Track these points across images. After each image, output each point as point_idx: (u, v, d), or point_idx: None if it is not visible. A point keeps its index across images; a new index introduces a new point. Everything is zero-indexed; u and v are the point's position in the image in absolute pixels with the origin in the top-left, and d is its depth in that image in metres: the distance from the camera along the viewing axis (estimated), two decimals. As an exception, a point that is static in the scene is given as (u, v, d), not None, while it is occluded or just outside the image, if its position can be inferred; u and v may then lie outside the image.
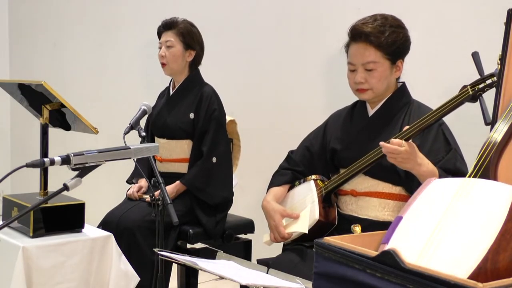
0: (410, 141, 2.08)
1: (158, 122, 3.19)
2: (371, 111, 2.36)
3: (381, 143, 2.07)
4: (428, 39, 2.90)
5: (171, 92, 3.21)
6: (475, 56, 2.06)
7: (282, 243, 2.43)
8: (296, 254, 2.27)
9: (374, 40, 2.22)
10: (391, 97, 2.33)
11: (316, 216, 2.27)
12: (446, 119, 2.23)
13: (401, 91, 2.35)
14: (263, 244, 2.51)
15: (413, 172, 2.09)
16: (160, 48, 3.14)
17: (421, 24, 2.89)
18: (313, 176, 2.40)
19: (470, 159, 1.89)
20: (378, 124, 2.32)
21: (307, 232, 2.25)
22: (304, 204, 2.35)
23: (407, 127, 2.11)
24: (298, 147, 2.54)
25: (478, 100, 2.03)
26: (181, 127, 3.10)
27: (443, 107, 2.08)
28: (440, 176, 2.05)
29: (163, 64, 3.13)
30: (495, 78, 1.99)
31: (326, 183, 2.35)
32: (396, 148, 2.03)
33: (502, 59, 1.67)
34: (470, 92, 2.03)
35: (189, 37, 3.11)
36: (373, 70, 2.25)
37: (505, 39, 1.67)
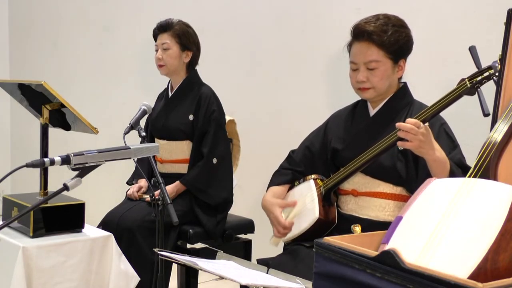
0: (427, 124, 2.05)
1: (158, 124, 3.19)
2: (372, 111, 2.36)
3: (398, 123, 2.00)
4: (428, 39, 2.90)
5: (170, 94, 3.21)
6: (472, 50, 2.07)
7: (282, 243, 2.43)
8: (296, 254, 2.27)
9: (377, 39, 2.21)
10: (393, 97, 2.33)
11: (316, 214, 2.27)
12: (447, 118, 2.23)
13: (403, 91, 2.34)
14: (263, 244, 2.51)
15: (427, 158, 2.03)
16: (156, 50, 3.14)
17: (421, 24, 2.89)
18: (313, 176, 2.40)
19: (470, 159, 1.89)
20: (380, 124, 2.32)
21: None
22: (304, 203, 2.36)
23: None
24: (299, 146, 2.54)
25: (476, 93, 2.03)
26: (181, 128, 3.10)
27: (441, 100, 2.08)
28: (452, 168, 2.04)
29: (160, 66, 3.13)
30: (492, 71, 2.00)
31: (325, 181, 2.35)
32: (411, 127, 1.96)
33: (502, 59, 1.67)
34: (468, 85, 2.03)
35: (185, 38, 3.11)
36: (375, 69, 2.24)
37: (505, 39, 1.68)
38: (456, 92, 2.06)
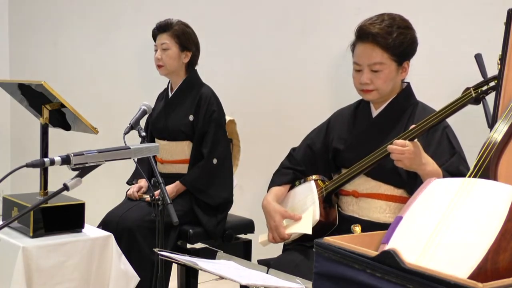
0: (416, 140, 2.07)
1: (158, 124, 3.19)
2: (375, 112, 2.35)
3: (387, 147, 2.07)
4: (429, 39, 2.89)
5: (170, 94, 3.21)
6: (478, 58, 2.06)
7: (282, 243, 2.43)
8: (297, 254, 2.26)
9: (382, 41, 2.20)
10: (396, 98, 2.31)
11: (316, 217, 2.27)
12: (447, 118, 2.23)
13: (406, 92, 2.33)
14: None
15: (419, 172, 2.08)
16: (156, 51, 3.13)
17: (422, 24, 2.88)
18: (314, 176, 2.40)
19: (470, 159, 1.89)
20: (382, 125, 2.31)
21: (310, 233, 2.24)
22: (305, 205, 2.35)
23: (413, 126, 2.11)
24: (300, 144, 2.53)
25: (481, 103, 2.02)
26: (181, 129, 3.10)
27: (445, 109, 2.07)
28: (444, 177, 2.05)
29: (159, 67, 3.13)
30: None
31: (327, 183, 2.35)
32: (397, 148, 2.03)
33: (502, 59, 1.67)
34: (473, 95, 2.02)
35: (184, 38, 3.11)
36: (379, 71, 2.23)
37: (505, 39, 1.67)
38: (460, 101, 2.05)
